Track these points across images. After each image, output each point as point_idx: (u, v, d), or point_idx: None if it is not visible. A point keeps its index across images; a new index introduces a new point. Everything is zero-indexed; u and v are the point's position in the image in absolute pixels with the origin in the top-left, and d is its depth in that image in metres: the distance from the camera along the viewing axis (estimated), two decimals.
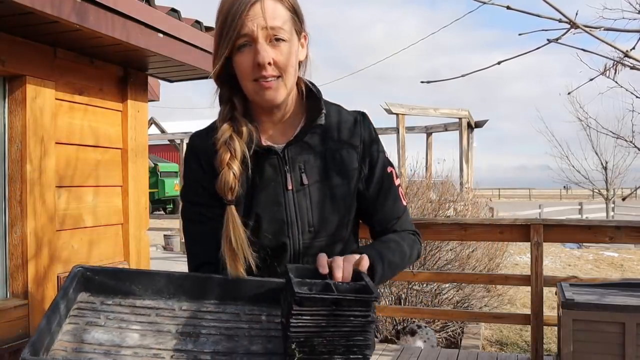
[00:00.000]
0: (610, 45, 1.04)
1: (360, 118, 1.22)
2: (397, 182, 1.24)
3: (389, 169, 1.23)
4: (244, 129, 1.10)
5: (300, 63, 1.15)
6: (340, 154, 1.17)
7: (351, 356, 0.91)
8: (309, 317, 0.88)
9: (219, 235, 1.07)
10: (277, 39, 1.06)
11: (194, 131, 1.24)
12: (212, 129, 1.15)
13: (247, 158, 1.09)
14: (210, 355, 0.95)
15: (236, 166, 1.07)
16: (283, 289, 0.99)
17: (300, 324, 0.88)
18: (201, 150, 1.14)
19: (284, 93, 1.10)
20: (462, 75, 1.29)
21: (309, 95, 1.19)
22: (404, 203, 1.25)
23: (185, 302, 1.03)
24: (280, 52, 1.07)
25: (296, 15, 1.12)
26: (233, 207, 1.07)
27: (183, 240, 11.49)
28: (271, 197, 1.12)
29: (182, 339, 0.97)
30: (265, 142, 1.14)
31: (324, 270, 0.99)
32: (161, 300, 1.02)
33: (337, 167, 1.16)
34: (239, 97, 1.14)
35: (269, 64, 1.05)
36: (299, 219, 1.13)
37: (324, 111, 1.15)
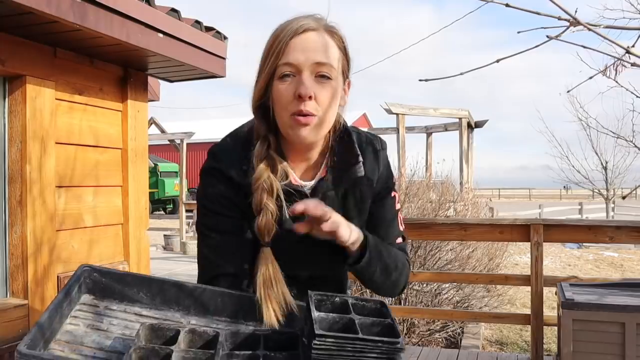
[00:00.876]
0: (611, 41, 1.04)
1: (380, 148, 1.19)
2: (397, 206, 1.24)
3: (394, 193, 1.23)
4: (279, 168, 1.09)
5: (340, 107, 1.11)
6: (361, 189, 1.17)
7: None
8: (332, 341, 0.85)
9: (245, 249, 1.08)
10: (323, 75, 1.03)
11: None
12: (237, 144, 1.12)
13: (282, 197, 1.08)
14: None
15: (273, 205, 1.05)
16: (304, 315, 0.96)
17: (323, 347, 0.85)
18: (230, 167, 1.10)
19: (318, 134, 1.07)
20: (461, 74, 1.29)
21: (342, 136, 1.15)
22: (402, 228, 1.24)
23: (194, 317, 0.98)
24: (323, 89, 1.03)
25: (345, 56, 1.08)
26: (269, 249, 1.06)
27: (183, 241, 11.39)
28: (294, 236, 1.09)
29: None
30: (295, 180, 1.13)
31: (296, 211, 1.01)
32: (169, 311, 0.98)
33: (356, 202, 1.17)
34: (272, 134, 1.10)
35: (310, 97, 1.01)
36: (317, 255, 1.14)
37: (360, 159, 1.12)
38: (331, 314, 0.93)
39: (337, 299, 0.99)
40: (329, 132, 1.13)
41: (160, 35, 2.61)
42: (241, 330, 0.95)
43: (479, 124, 11.73)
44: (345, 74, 1.10)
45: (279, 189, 1.07)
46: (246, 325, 0.99)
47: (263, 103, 1.08)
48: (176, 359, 0.83)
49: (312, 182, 1.13)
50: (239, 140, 1.13)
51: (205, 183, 1.14)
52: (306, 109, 1.01)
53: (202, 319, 0.99)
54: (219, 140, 1.17)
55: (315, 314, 0.90)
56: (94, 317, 0.94)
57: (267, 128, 1.10)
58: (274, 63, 1.02)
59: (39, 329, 0.83)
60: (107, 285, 0.98)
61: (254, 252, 1.09)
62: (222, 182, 1.10)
